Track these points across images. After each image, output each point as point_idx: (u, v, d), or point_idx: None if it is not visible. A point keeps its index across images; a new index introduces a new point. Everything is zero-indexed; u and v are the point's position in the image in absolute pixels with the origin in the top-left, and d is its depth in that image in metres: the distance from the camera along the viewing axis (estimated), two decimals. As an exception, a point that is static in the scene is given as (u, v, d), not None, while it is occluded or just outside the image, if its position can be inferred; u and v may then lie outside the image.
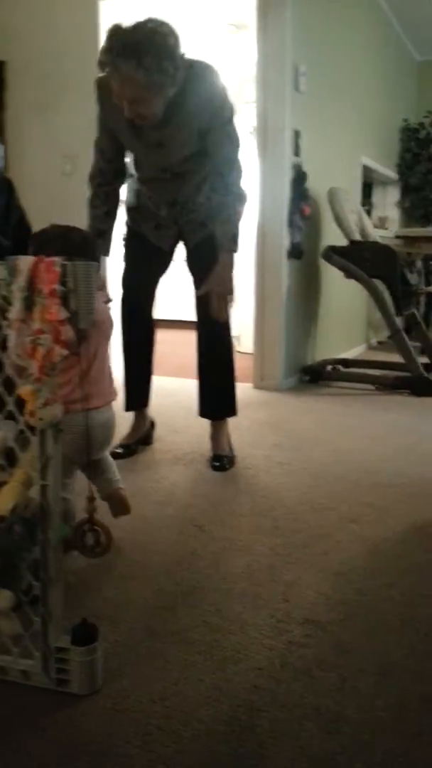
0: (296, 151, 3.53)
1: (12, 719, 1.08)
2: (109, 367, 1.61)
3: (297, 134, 3.52)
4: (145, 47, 1.83)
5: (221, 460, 2.32)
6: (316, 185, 3.73)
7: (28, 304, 1.08)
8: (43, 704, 1.11)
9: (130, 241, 2.39)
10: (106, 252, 2.30)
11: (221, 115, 2.08)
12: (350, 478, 2.23)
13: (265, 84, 3.42)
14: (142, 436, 2.51)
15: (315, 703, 1.12)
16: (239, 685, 1.16)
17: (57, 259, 1.08)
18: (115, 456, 2.36)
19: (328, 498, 2.05)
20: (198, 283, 2.32)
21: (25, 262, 1.08)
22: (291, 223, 3.52)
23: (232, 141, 2.12)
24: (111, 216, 2.31)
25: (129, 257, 2.40)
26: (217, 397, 2.38)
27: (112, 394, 1.60)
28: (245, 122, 3.91)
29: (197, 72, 2.02)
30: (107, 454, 1.60)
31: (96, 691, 1.13)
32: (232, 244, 2.16)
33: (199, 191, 2.21)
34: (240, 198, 2.15)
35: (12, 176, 2.66)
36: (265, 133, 3.44)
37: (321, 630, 1.33)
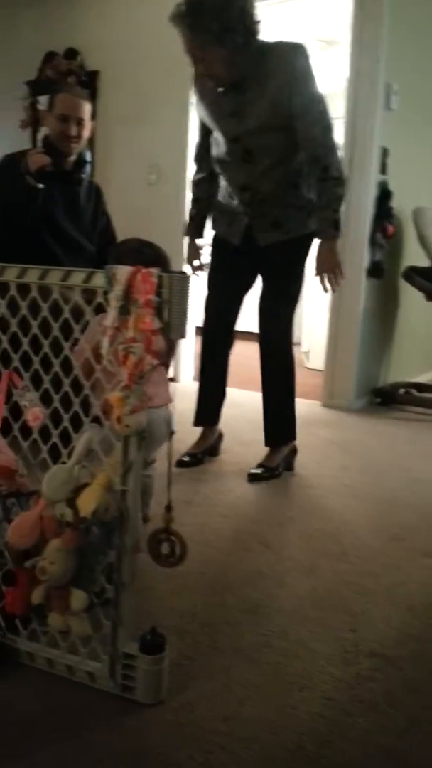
0: (383, 169, 3.48)
1: (78, 720, 1.09)
2: (165, 372, 1.65)
3: (385, 152, 3.46)
4: (201, 7, 1.93)
5: (261, 469, 2.33)
6: (402, 204, 3.66)
7: (123, 313, 1.10)
8: (108, 708, 1.12)
9: (214, 256, 2.43)
10: (198, 235, 2.48)
11: (304, 95, 2.05)
12: (421, 508, 2.15)
13: (355, 101, 3.38)
14: (209, 447, 2.52)
15: (382, 741, 1.08)
16: (305, 712, 1.14)
17: (154, 270, 1.09)
18: (182, 464, 2.39)
19: (399, 527, 1.98)
20: (265, 291, 2.34)
21: (123, 271, 1.10)
22: (373, 242, 3.46)
23: (323, 123, 2.09)
24: (199, 202, 2.44)
25: (213, 270, 2.43)
26: (275, 424, 2.39)
27: (170, 397, 1.63)
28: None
29: (280, 47, 2.06)
30: (151, 481, 1.66)
31: (160, 701, 1.13)
32: (334, 230, 2.14)
33: (271, 179, 2.19)
34: (339, 182, 2.11)
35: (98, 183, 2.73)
36: (352, 149, 3.40)
37: (390, 665, 1.29)
